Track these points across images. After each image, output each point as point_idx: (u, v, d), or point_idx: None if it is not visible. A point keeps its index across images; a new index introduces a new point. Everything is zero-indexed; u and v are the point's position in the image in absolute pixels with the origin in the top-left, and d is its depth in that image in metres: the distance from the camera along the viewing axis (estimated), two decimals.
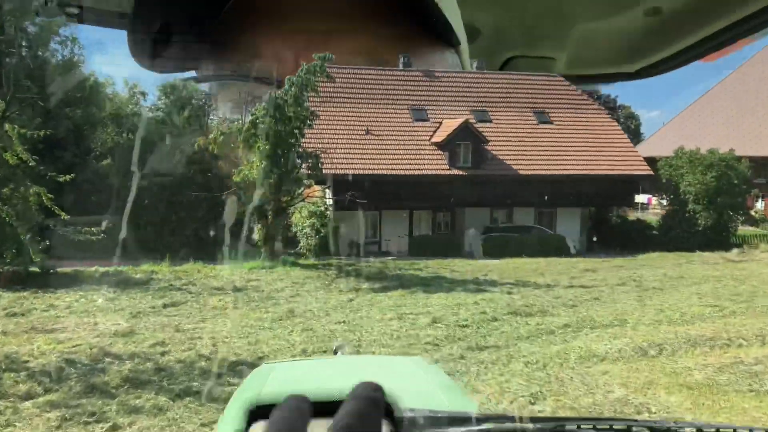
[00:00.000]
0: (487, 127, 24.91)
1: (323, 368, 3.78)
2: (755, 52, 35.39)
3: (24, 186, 14.52)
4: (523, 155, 24.76)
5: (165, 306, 12.57)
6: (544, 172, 24.43)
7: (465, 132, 23.45)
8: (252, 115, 17.01)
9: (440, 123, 24.48)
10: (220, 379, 8.08)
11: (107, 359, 8.71)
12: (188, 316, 11.75)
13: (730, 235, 26.00)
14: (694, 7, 2.02)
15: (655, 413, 6.66)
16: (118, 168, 22.44)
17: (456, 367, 8.57)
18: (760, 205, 33.95)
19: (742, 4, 1.77)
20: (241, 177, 17.17)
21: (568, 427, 1.11)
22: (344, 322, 11.23)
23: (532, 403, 7.14)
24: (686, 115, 39.77)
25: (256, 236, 17.83)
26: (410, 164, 23.23)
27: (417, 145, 23.91)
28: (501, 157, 24.50)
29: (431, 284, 15.63)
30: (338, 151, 22.26)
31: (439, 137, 23.90)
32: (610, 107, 33.06)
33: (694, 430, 1.15)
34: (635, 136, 47.80)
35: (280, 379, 3.32)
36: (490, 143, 24.23)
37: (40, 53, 22.51)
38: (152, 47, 1.80)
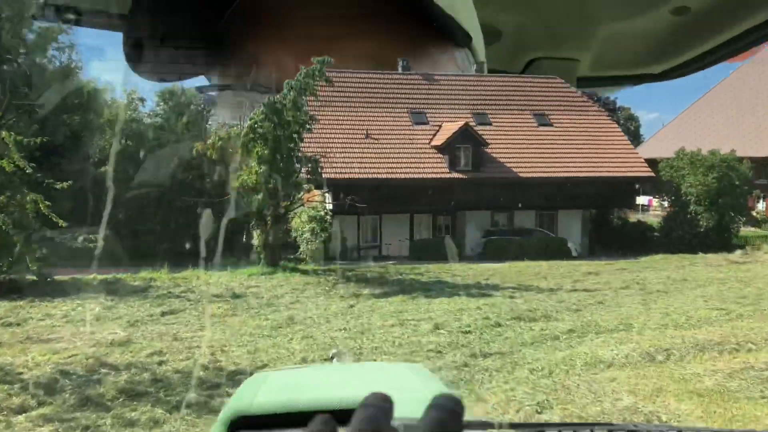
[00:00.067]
0: (487, 130, 24.78)
1: (318, 376, 3.66)
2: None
3: (21, 193, 14.38)
4: (523, 158, 24.63)
5: (163, 314, 12.39)
6: (544, 175, 24.29)
7: (465, 135, 23.32)
8: (251, 119, 16.87)
9: (440, 126, 24.35)
10: (204, 389, 7.89)
11: (103, 370, 8.53)
12: (186, 324, 11.58)
13: (731, 236, 25.83)
14: (723, 5, 1.87)
15: (666, 422, 6.48)
16: (117, 174, 22.33)
17: (460, 375, 8.39)
18: (761, 205, 33.80)
19: None
20: (240, 182, 17.01)
21: None
22: (345, 329, 11.05)
23: (539, 413, 6.96)
24: (686, 117, 39.65)
25: (255, 242, 17.65)
26: (410, 168, 23.09)
27: (417, 148, 23.78)
28: (501, 160, 24.36)
29: (432, 289, 15.46)
30: (338, 155, 22.11)
31: (438, 140, 23.76)
32: (610, 109, 32.93)
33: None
34: (635, 137, 47.68)
35: (274, 388, 3.19)
36: (490, 146, 24.09)
37: (37, 60, 22.43)
38: (150, 54, 1.66)
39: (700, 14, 1.85)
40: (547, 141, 25.52)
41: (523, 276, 17.82)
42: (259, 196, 16.91)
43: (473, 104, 25.81)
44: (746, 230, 27.44)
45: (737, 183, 25.57)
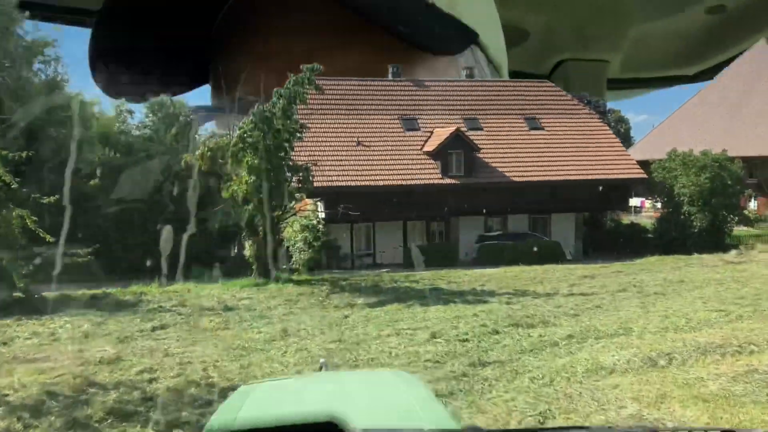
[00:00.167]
0: (479, 135, 24.71)
1: (304, 387, 3.53)
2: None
3: (6, 209, 14.07)
4: (515, 162, 24.57)
5: (154, 329, 12.11)
6: (536, 179, 24.23)
7: (456, 140, 23.24)
8: (240, 129, 16.66)
9: (431, 132, 24.25)
10: (195, 407, 7.62)
11: (91, 390, 8.25)
12: (178, 339, 11.30)
13: (725, 236, 25.85)
14: (760, 3, 1.68)
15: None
16: (106, 187, 22.02)
17: (459, 385, 8.17)
18: (753, 204, 33.90)
19: None
20: (231, 193, 16.78)
21: None
22: (340, 340, 10.82)
23: (542, 423, 6.76)
24: (676, 118, 39.80)
25: (246, 253, 17.39)
26: (402, 174, 22.96)
27: (409, 155, 23.65)
28: (493, 165, 24.28)
29: (428, 296, 15.26)
30: (329, 163, 21.94)
31: (430, 146, 23.65)
32: (600, 111, 32.94)
33: None
34: (625, 140, 47.80)
35: (259, 401, 3.08)
36: (482, 151, 24.01)
37: (23, 74, 22.13)
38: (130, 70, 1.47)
39: (736, 13, 1.66)
40: (539, 145, 25.48)
41: (519, 281, 17.67)
42: (250, 207, 16.68)
43: (464, 109, 25.74)
44: (739, 230, 27.45)
45: (729, 183, 25.62)
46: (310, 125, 19.99)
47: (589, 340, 10.21)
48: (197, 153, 17.34)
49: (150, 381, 8.71)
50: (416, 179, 22.99)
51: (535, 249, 21.17)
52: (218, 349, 10.51)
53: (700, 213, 25.07)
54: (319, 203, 21.71)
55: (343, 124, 23.85)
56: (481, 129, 25.35)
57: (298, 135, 17.84)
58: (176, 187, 18.93)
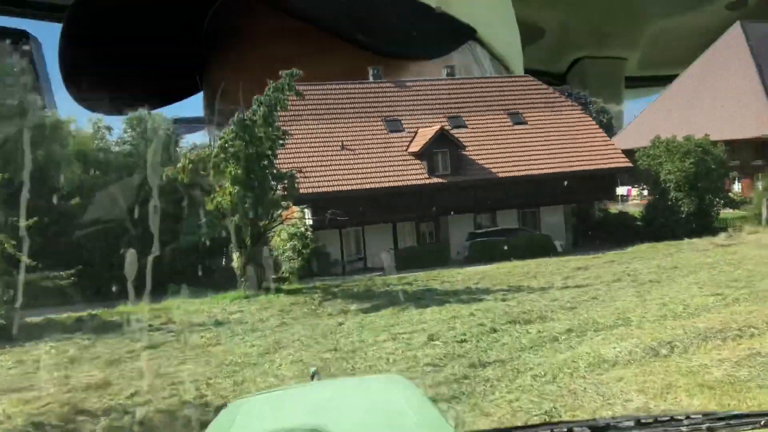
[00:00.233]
0: (463, 133, 24.60)
1: (297, 398, 3.37)
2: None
3: None
4: (501, 158, 24.48)
5: (143, 349, 11.78)
6: (523, 173, 24.16)
7: (441, 139, 23.10)
8: (221, 139, 16.36)
9: (416, 132, 24.09)
10: (190, 429, 7.35)
11: (80, 418, 7.94)
12: (168, 359, 10.99)
13: (713, 219, 25.96)
14: None
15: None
16: (86, 206, 21.55)
17: (460, 388, 7.97)
18: (737, 187, 34.14)
19: None
20: (215, 204, 16.45)
21: None
22: (335, 349, 10.58)
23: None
24: (658, 105, 40.01)
25: (234, 264, 17.06)
26: (389, 176, 22.77)
27: (394, 156, 23.47)
28: (479, 162, 24.18)
29: (423, 298, 15.06)
30: (314, 169, 21.68)
31: (415, 147, 23.49)
32: (582, 103, 33.06)
33: (632, 423, 1.22)
34: (607, 129, 47.94)
35: (250, 416, 2.96)
36: (467, 149, 23.90)
37: None
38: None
39: (758, 8, 1.45)
40: (524, 139, 25.42)
41: (513, 277, 17.53)
42: (236, 218, 16.37)
43: (447, 108, 25.61)
44: (725, 212, 27.60)
45: (713, 167, 25.73)
46: (292, 132, 19.72)
47: (589, 333, 10.06)
48: (178, 166, 16.99)
49: (141, 404, 8.42)
50: (403, 180, 22.81)
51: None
52: (211, 366, 10.23)
53: (687, 198, 25.14)
54: (306, 210, 21.43)
55: (326, 128, 23.60)
56: (465, 127, 25.24)
57: (281, 142, 17.57)
58: (158, 203, 18.56)
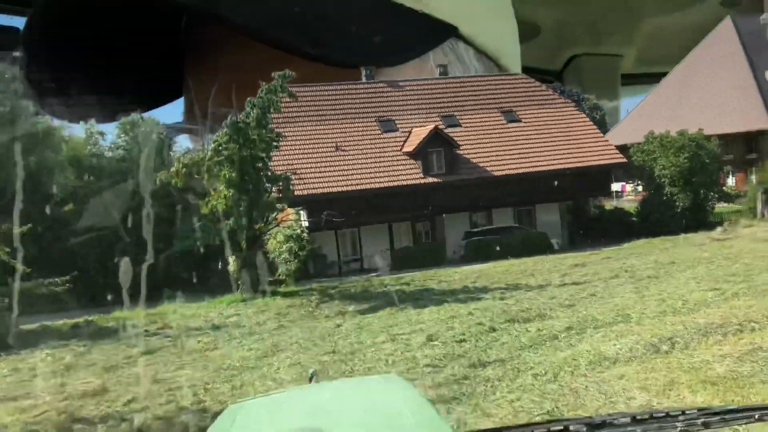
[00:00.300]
0: (457, 132, 24.57)
1: (295, 401, 3.32)
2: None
3: None
4: (495, 156, 24.46)
5: (140, 355, 11.67)
6: (518, 171, 24.16)
7: (435, 139, 23.06)
8: (214, 142, 16.25)
9: (410, 132, 24.04)
10: None
11: (77, 425, 7.84)
12: (165, 364, 10.88)
13: (708, 214, 26.00)
14: None
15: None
16: (80, 212, 21.38)
17: (461, 389, 7.91)
18: (731, 181, 34.25)
19: None
20: (210, 208, 16.34)
21: None
22: (334, 351, 10.50)
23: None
24: (651, 101, 40.08)
25: (231, 268, 16.95)
26: (384, 177, 22.70)
27: (389, 156, 23.41)
28: (474, 161, 24.15)
29: (420, 298, 14.99)
30: (309, 170, 21.61)
31: (410, 146, 23.43)
32: (575, 100, 33.09)
33: (628, 419, 1.23)
34: (600, 126, 48.03)
35: (249, 420, 2.91)
36: (461, 147, 23.86)
37: None
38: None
39: (751, 4, 1.39)
40: (518, 137, 25.41)
41: (510, 275, 17.49)
42: (231, 221, 16.26)
43: (440, 107, 25.57)
44: (720, 206, 27.66)
45: (707, 161, 25.78)
46: (286, 134, 19.63)
47: (588, 331, 10.02)
48: (172, 170, 16.87)
49: (138, 411, 8.32)
50: (398, 180, 22.75)
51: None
52: (208, 371, 10.13)
53: (682, 193, 25.18)
54: (301, 212, 21.33)
55: (320, 130, 23.52)
56: (459, 125, 25.21)
57: (275, 144, 17.48)
58: (151, 209, 18.42)
